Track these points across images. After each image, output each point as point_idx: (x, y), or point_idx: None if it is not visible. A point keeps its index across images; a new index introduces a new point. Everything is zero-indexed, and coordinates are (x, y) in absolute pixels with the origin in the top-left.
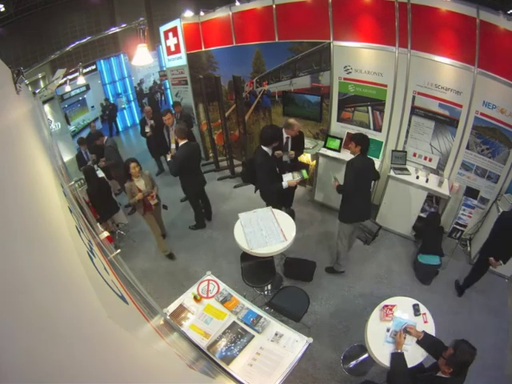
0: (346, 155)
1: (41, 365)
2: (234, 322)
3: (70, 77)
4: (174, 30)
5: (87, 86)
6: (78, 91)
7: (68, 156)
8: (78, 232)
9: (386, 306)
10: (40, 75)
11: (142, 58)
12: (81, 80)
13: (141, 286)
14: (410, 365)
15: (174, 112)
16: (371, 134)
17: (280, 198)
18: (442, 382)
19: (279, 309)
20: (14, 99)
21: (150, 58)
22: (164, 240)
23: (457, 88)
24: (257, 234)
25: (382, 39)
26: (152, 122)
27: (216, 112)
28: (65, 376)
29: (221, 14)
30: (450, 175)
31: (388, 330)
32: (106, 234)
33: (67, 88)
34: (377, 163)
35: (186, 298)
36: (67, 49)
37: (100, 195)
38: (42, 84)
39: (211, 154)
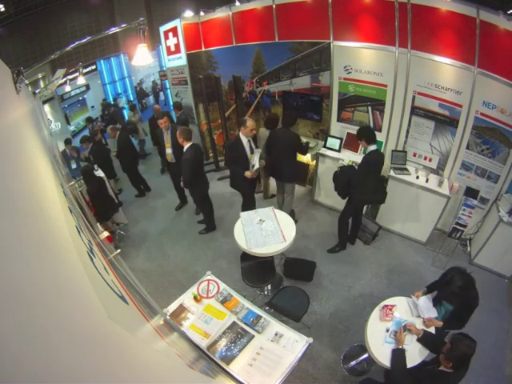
0: (346, 155)
1: (40, 365)
2: (234, 322)
3: (70, 77)
4: (174, 30)
5: (87, 86)
6: (78, 91)
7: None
8: (78, 232)
9: (386, 305)
10: (40, 75)
11: (141, 57)
12: (81, 80)
13: (141, 285)
14: (410, 364)
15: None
16: None
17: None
18: (443, 376)
19: (279, 309)
20: (14, 99)
21: (150, 58)
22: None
23: (457, 88)
24: (256, 234)
25: (382, 39)
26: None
27: (216, 112)
28: (65, 376)
29: (221, 14)
30: (450, 175)
31: (387, 331)
32: (105, 234)
33: (67, 88)
34: None
35: (186, 298)
36: (67, 49)
37: (100, 195)
38: (42, 84)
39: (211, 154)
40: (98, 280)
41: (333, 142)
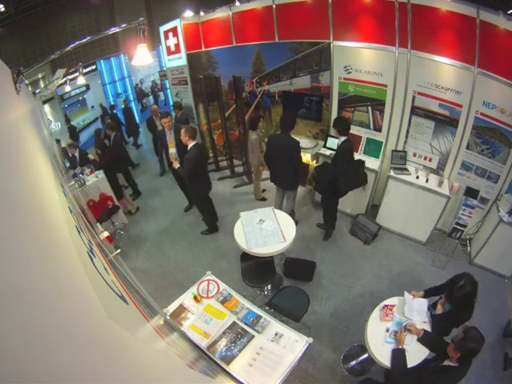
0: None
1: (40, 365)
2: (234, 322)
3: (70, 77)
4: (174, 30)
5: (87, 86)
6: (78, 91)
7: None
8: (78, 232)
9: (386, 305)
10: (40, 75)
11: (142, 57)
12: (81, 80)
13: (141, 285)
14: (410, 364)
15: (174, 114)
16: (371, 134)
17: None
18: (448, 370)
19: (279, 309)
20: (14, 99)
21: (150, 58)
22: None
23: (457, 88)
24: (256, 234)
25: (382, 39)
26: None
27: (216, 112)
28: (65, 376)
29: (221, 14)
30: (450, 175)
31: (387, 331)
32: (105, 233)
33: (67, 88)
34: (377, 163)
35: (186, 298)
36: (67, 49)
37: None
38: (42, 84)
39: (211, 154)
40: (98, 280)
41: (333, 142)
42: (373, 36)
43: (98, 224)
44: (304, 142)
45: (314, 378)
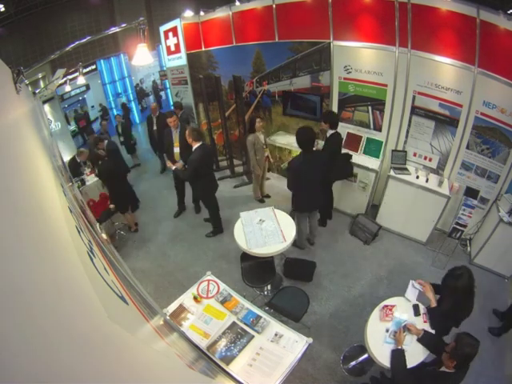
0: None
1: (40, 365)
2: (234, 322)
3: (69, 77)
4: (174, 30)
5: (87, 86)
6: (78, 91)
7: (68, 156)
8: (78, 232)
9: (386, 306)
10: (40, 75)
11: (141, 57)
12: (81, 80)
13: (141, 286)
14: (410, 364)
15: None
16: (371, 134)
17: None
18: (445, 377)
19: (279, 309)
20: (14, 99)
21: (150, 58)
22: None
23: (457, 88)
24: (256, 234)
25: (382, 39)
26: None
27: (216, 112)
28: (65, 376)
29: (221, 13)
30: (450, 175)
31: (387, 331)
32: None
33: (67, 88)
34: (377, 163)
35: (186, 298)
36: (67, 49)
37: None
38: (42, 84)
39: None
40: (98, 280)
41: None
42: (373, 36)
43: (98, 224)
44: None
45: (313, 379)
